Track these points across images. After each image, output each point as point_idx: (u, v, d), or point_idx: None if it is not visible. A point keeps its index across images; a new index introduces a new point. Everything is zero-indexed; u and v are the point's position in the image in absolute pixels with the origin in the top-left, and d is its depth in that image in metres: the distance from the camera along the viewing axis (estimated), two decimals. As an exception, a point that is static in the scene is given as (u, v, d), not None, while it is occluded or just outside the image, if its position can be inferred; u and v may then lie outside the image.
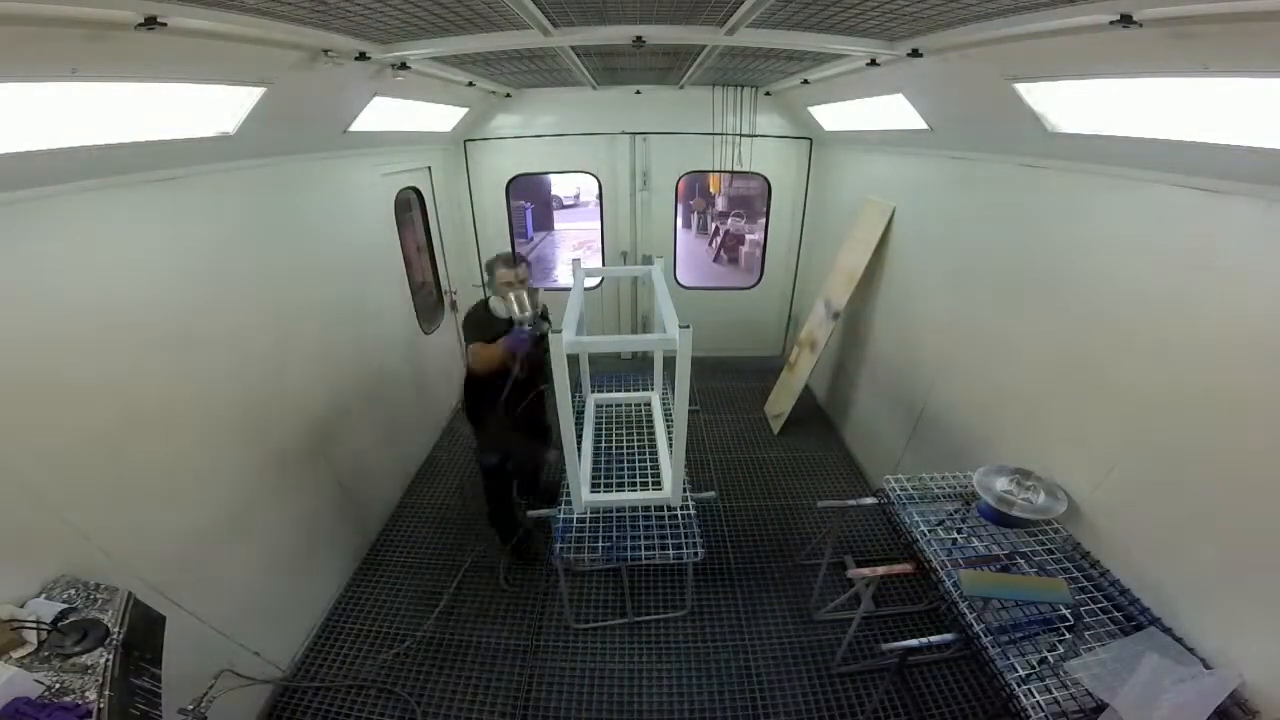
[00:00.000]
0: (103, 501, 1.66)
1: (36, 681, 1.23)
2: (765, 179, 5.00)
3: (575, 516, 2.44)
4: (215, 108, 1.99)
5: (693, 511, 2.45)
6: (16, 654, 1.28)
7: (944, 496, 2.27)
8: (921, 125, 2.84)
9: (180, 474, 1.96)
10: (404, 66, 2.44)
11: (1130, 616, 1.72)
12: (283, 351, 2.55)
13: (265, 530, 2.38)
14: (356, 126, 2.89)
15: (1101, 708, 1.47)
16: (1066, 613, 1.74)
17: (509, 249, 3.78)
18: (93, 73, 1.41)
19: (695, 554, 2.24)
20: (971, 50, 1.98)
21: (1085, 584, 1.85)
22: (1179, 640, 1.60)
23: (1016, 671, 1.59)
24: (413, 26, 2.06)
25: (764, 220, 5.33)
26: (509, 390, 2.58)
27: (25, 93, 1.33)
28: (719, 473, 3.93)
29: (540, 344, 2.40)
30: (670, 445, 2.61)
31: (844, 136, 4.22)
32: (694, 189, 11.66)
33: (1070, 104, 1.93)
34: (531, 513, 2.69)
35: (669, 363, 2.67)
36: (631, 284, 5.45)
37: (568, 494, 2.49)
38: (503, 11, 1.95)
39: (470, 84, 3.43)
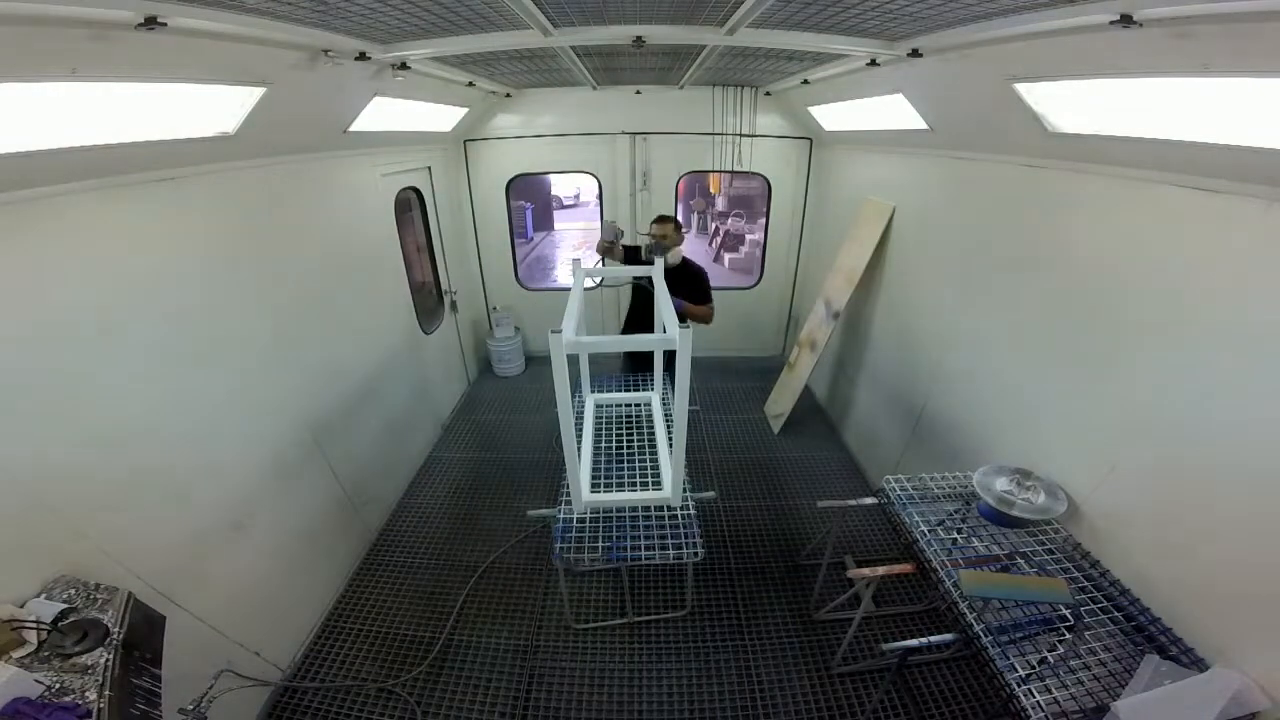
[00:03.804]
0: (103, 502, 1.66)
1: (36, 681, 1.23)
2: (765, 179, 5.00)
3: (575, 516, 2.44)
4: (215, 108, 1.99)
5: (693, 511, 2.44)
6: (16, 654, 1.29)
7: (944, 496, 2.27)
8: (921, 125, 2.84)
9: (180, 474, 1.96)
10: (404, 66, 2.44)
11: (1130, 616, 1.72)
12: (282, 351, 2.55)
13: (265, 530, 2.38)
14: (356, 126, 2.89)
15: (1102, 708, 1.48)
16: (1066, 613, 1.74)
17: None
18: (93, 73, 1.41)
19: (695, 554, 2.24)
20: (971, 50, 1.98)
21: (1085, 584, 1.85)
22: (1178, 641, 1.61)
23: (1016, 671, 1.59)
24: (413, 26, 2.06)
25: (764, 220, 5.33)
26: None
27: (25, 93, 1.33)
28: (719, 473, 3.93)
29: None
30: (670, 445, 2.61)
31: (844, 136, 4.22)
32: (694, 189, 11.67)
33: (1070, 104, 1.93)
34: (532, 512, 2.69)
35: (669, 363, 2.67)
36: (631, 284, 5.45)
37: (568, 494, 2.49)
38: (503, 11, 1.96)
39: (470, 84, 3.44)
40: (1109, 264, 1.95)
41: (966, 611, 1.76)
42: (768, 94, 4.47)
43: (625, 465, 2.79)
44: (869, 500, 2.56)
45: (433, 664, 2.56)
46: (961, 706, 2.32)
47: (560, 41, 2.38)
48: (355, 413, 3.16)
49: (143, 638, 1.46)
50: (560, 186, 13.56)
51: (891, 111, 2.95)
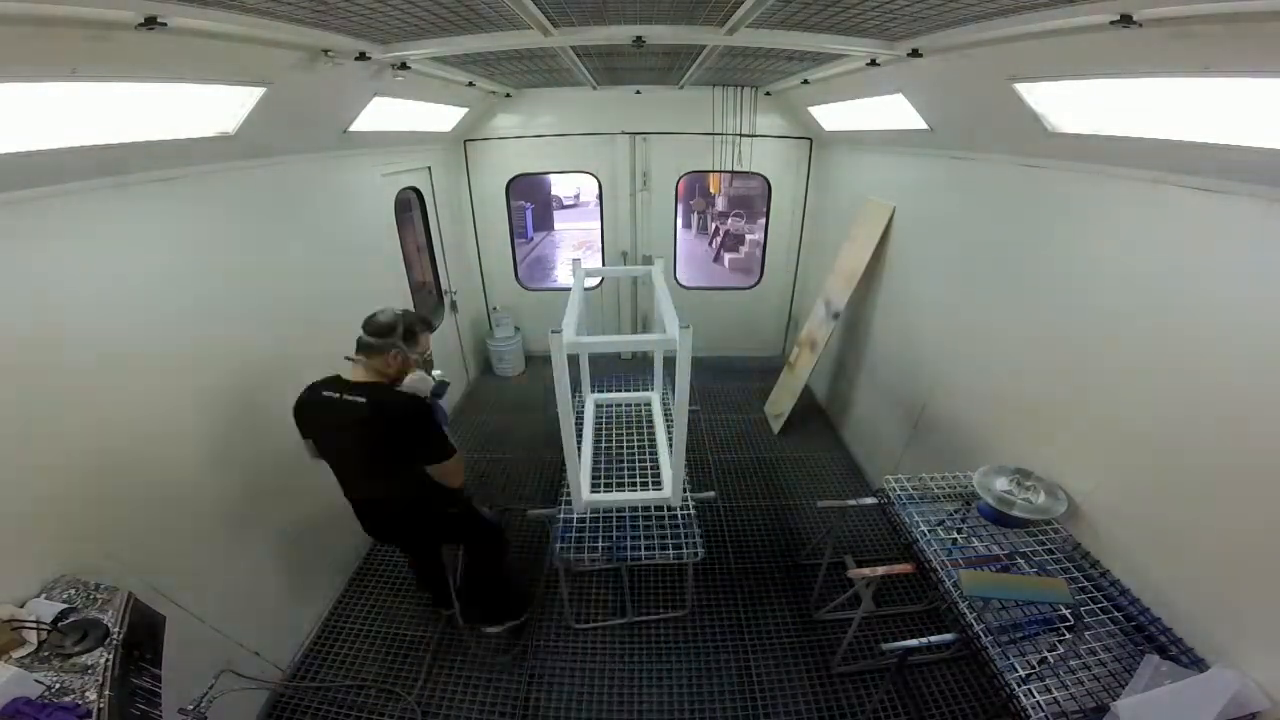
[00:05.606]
0: (103, 502, 1.66)
1: (36, 681, 1.23)
2: (765, 179, 5.00)
3: (575, 516, 2.44)
4: (215, 108, 1.99)
5: (693, 511, 2.45)
6: (16, 654, 1.29)
7: (944, 496, 2.27)
8: (921, 125, 2.84)
9: (180, 474, 1.96)
10: (404, 66, 2.44)
11: (1130, 616, 1.72)
12: (283, 351, 2.55)
13: (265, 530, 2.38)
14: (356, 127, 2.89)
15: (1102, 708, 1.48)
16: (1066, 613, 1.74)
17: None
18: (93, 73, 1.41)
19: (695, 554, 2.25)
20: (971, 50, 1.98)
21: (1085, 584, 1.85)
22: (1178, 641, 1.61)
23: (1016, 671, 1.59)
24: (413, 26, 2.06)
25: (764, 220, 5.33)
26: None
27: (25, 93, 1.33)
28: (719, 473, 3.93)
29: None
30: (670, 445, 2.61)
31: (844, 136, 4.22)
32: (694, 189, 11.67)
33: (1070, 104, 1.93)
34: (533, 512, 2.69)
35: (669, 363, 2.67)
36: (631, 284, 5.46)
37: (568, 494, 2.49)
38: (503, 11, 1.96)
39: (470, 84, 3.43)
40: (1108, 263, 1.94)
41: (966, 611, 1.76)
42: (768, 94, 4.47)
43: (625, 465, 2.80)
44: (869, 500, 2.56)
45: (433, 664, 2.56)
46: (961, 706, 2.32)
47: (560, 41, 2.38)
48: (355, 413, 3.15)
49: (143, 638, 1.45)
50: (560, 186, 13.56)
51: (891, 111, 2.95)
